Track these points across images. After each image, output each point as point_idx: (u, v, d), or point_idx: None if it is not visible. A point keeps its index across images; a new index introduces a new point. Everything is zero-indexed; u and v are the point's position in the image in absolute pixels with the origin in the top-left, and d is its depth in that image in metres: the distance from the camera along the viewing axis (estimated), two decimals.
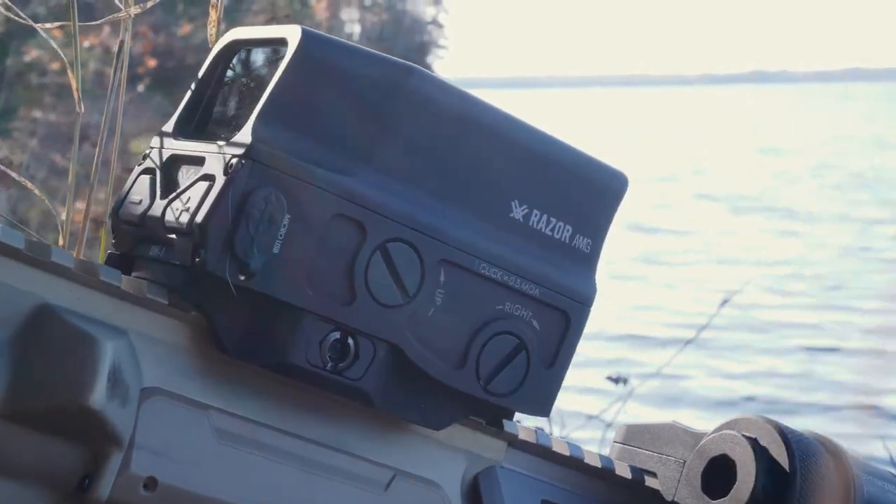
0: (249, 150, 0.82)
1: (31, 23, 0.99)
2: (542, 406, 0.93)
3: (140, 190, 0.89)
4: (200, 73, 0.92)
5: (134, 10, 0.99)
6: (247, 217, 0.82)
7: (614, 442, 1.07)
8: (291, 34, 0.85)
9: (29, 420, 0.79)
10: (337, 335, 0.86)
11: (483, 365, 0.90)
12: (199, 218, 0.82)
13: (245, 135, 0.83)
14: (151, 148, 0.91)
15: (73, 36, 0.95)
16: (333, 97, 0.85)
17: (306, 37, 0.85)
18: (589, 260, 0.93)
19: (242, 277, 0.82)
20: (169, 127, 0.91)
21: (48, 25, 0.98)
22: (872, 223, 15.59)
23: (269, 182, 0.82)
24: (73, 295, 0.81)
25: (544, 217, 0.91)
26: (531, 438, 0.98)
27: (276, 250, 0.83)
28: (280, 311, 0.84)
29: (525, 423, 0.99)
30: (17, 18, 1.00)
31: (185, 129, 0.90)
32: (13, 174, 1.06)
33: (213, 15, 1.00)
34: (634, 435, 1.05)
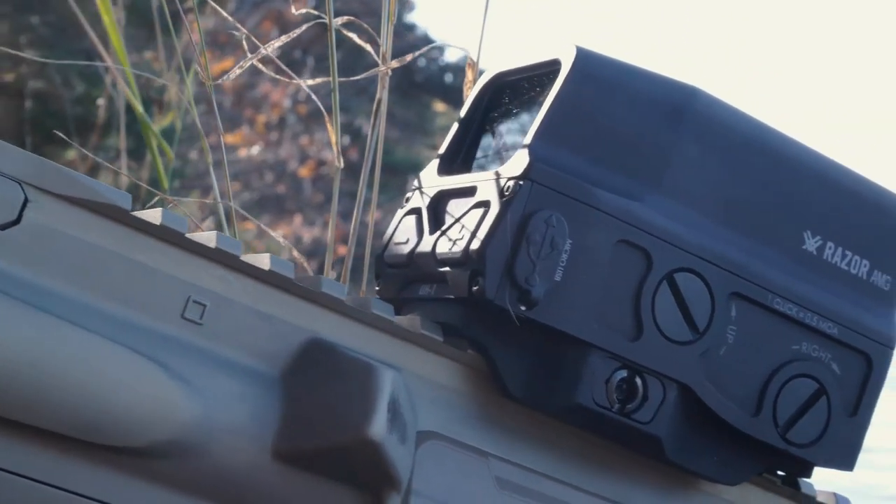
0: (528, 169, 0.77)
1: (294, 78, 0.96)
2: (847, 459, 0.84)
3: (405, 230, 0.84)
4: (463, 112, 0.87)
5: (393, 65, 0.96)
6: (527, 241, 0.76)
7: None
8: (564, 52, 0.80)
9: (301, 461, 0.72)
10: (624, 374, 0.79)
11: (780, 411, 0.82)
12: (474, 244, 0.76)
13: (522, 156, 0.77)
14: (413, 189, 0.86)
15: (332, 90, 0.91)
16: (613, 117, 0.79)
17: (581, 53, 0.79)
18: (889, 298, 0.85)
19: (524, 308, 0.76)
20: (431, 168, 0.86)
21: (311, 82, 0.94)
22: None
23: (550, 204, 0.77)
24: (344, 329, 0.76)
25: (839, 250, 0.84)
26: (830, 502, 0.89)
27: (558, 278, 0.77)
28: (563, 347, 0.78)
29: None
30: (275, 75, 0.96)
31: (450, 167, 0.86)
32: (248, 215, 1.01)
33: None
34: None
